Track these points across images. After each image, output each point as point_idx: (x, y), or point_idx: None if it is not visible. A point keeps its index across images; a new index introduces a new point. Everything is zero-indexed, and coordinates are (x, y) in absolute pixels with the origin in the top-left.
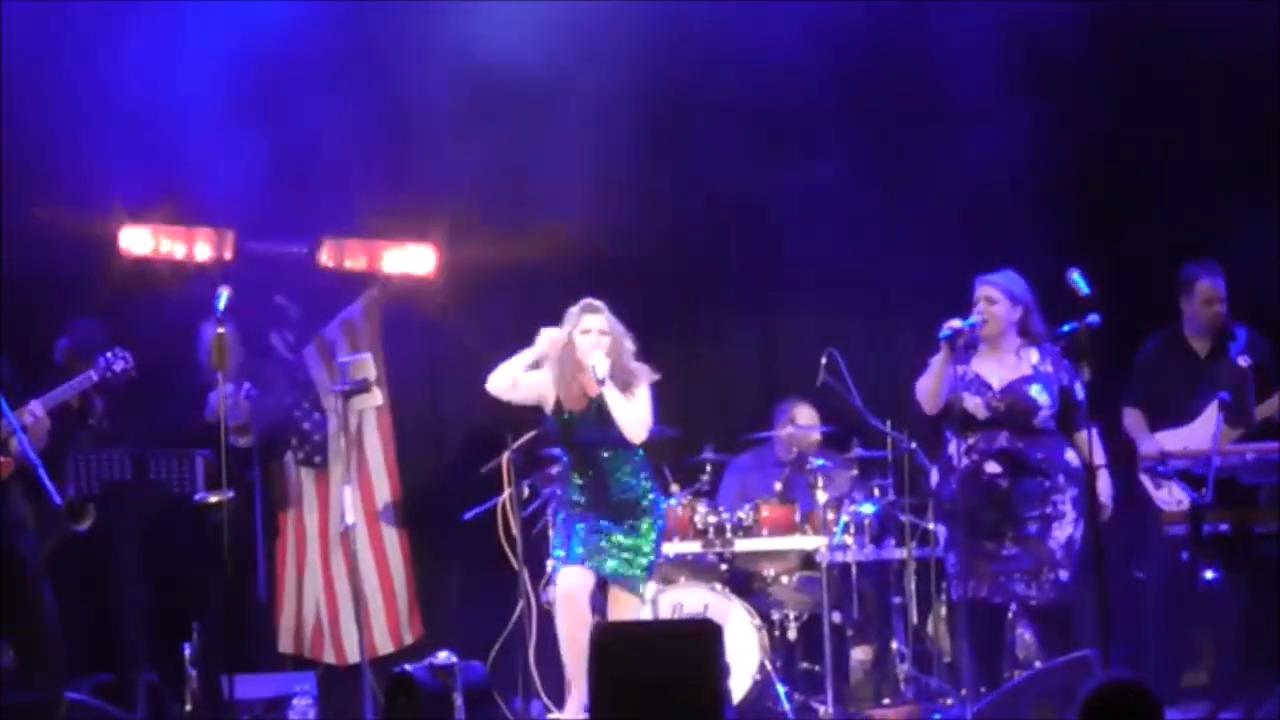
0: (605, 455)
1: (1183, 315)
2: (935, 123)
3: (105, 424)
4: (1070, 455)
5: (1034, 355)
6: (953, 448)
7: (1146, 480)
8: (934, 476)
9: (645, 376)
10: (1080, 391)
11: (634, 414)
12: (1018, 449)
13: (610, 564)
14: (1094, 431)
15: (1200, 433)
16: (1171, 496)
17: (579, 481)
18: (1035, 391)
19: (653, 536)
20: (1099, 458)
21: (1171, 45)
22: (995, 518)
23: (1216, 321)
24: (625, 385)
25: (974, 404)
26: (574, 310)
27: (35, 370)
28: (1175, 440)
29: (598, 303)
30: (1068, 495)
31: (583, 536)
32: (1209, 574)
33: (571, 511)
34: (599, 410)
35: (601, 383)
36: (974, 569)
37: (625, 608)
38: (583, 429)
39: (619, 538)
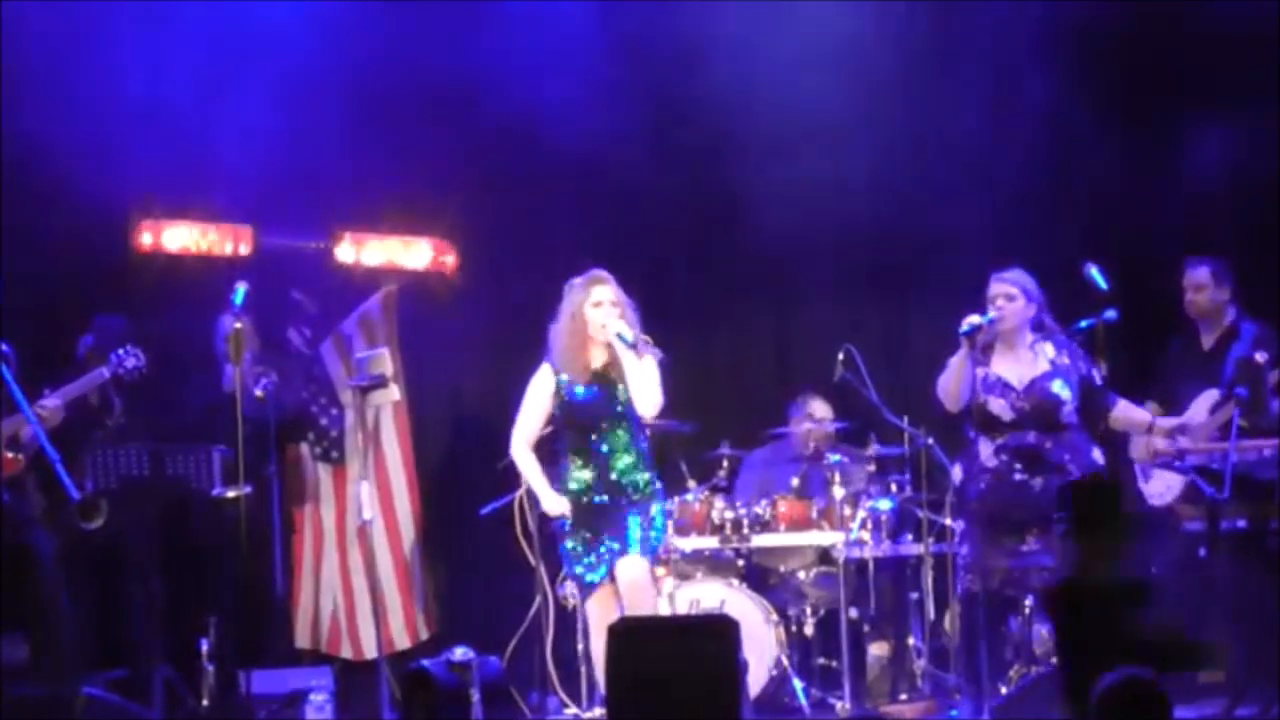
0: (605, 439)
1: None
2: (947, 117)
3: (123, 421)
4: (1096, 454)
5: (1049, 349)
6: (981, 448)
7: (1136, 472)
8: (956, 474)
9: (652, 351)
10: (1099, 377)
11: (654, 385)
12: (1046, 448)
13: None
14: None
15: (1189, 427)
16: (1156, 490)
17: (579, 463)
18: (1057, 387)
19: (660, 520)
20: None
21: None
22: (1025, 517)
23: (1194, 308)
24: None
25: (999, 406)
26: (578, 282)
27: (56, 365)
28: (1168, 429)
29: (604, 273)
30: None
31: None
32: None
33: (581, 500)
34: (600, 381)
35: (634, 346)
36: (989, 563)
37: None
38: (582, 403)
39: (615, 528)
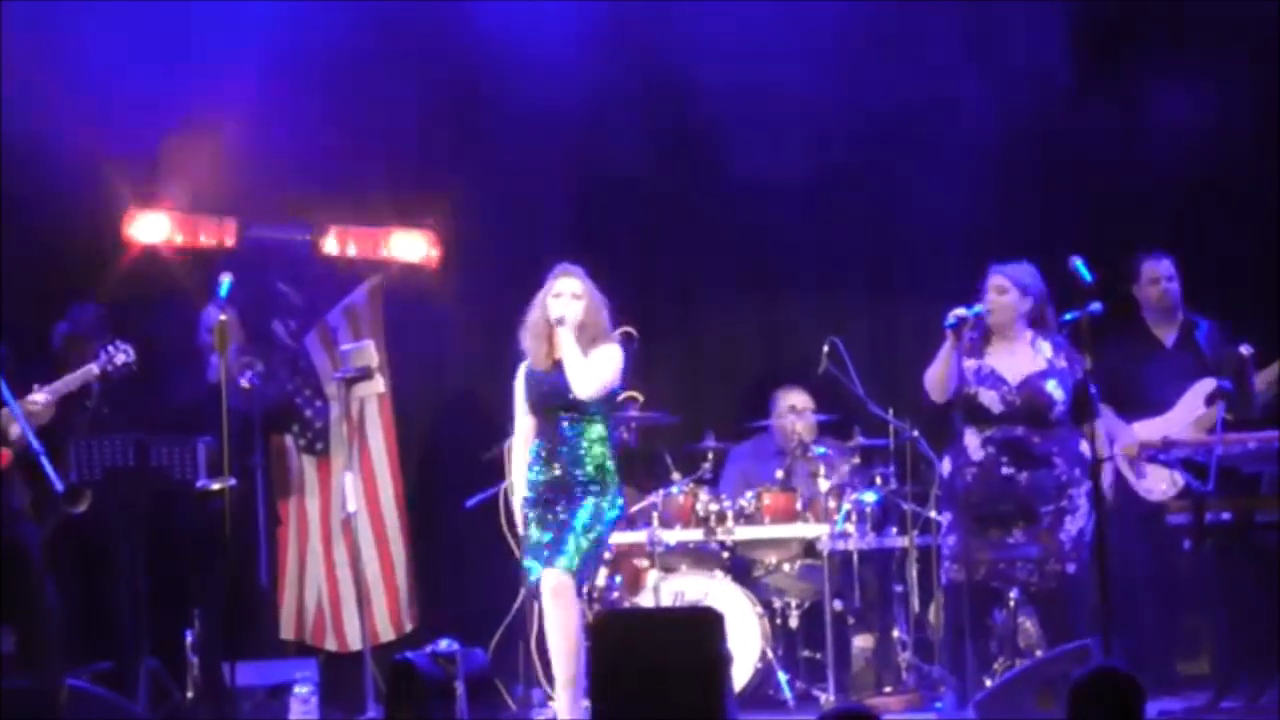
0: (565, 420)
1: (1140, 306)
2: (940, 110)
3: (105, 410)
4: (1084, 448)
5: (1047, 348)
6: (968, 439)
7: (1127, 470)
8: (944, 465)
9: (614, 340)
10: (1090, 385)
11: (587, 365)
12: (1034, 442)
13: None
14: (1100, 421)
15: (1176, 422)
16: (1155, 486)
17: (535, 450)
18: (1051, 387)
19: (588, 518)
20: (1104, 449)
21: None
22: (1011, 509)
23: (1164, 300)
24: (590, 341)
25: (990, 398)
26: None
27: (32, 355)
28: (1152, 430)
29: (573, 267)
30: (1082, 489)
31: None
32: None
33: (526, 497)
34: (561, 369)
35: (560, 321)
36: (974, 555)
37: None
38: (548, 391)
39: (551, 519)
